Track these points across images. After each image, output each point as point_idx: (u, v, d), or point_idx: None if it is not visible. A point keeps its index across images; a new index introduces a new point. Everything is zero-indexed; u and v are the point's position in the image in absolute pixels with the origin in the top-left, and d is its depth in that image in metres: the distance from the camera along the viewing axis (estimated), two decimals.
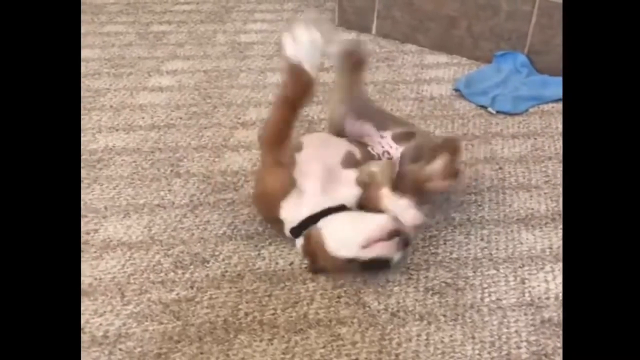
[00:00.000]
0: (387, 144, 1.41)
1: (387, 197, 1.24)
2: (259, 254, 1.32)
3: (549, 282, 1.27)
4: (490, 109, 1.90)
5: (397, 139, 1.42)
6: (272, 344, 1.13)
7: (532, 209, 1.48)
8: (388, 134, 1.43)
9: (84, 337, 1.13)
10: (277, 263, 1.30)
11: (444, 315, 1.19)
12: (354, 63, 1.43)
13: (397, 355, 1.11)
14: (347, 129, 1.45)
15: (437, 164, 1.30)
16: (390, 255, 1.20)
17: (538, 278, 1.28)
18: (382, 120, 1.45)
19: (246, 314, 1.18)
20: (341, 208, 1.25)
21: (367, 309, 1.20)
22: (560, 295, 1.24)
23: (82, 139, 1.70)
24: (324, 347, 1.12)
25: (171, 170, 1.59)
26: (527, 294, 1.25)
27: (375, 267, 1.22)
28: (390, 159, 1.39)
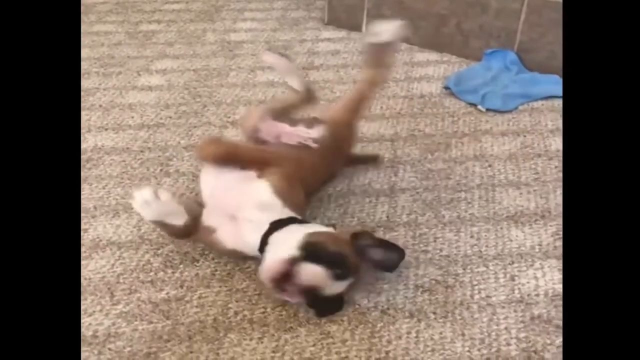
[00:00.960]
0: (302, 133, 1.39)
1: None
2: None
3: (539, 279, 1.27)
4: (480, 107, 1.90)
5: (309, 125, 1.41)
6: (262, 343, 1.13)
7: (522, 206, 1.49)
8: (300, 125, 1.41)
9: None
10: None
11: (434, 313, 1.20)
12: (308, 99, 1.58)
13: (387, 352, 1.12)
14: (264, 130, 1.41)
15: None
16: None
17: (527, 275, 1.29)
18: (293, 119, 1.47)
19: (236, 313, 1.18)
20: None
21: (357, 306, 1.20)
22: (550, 291, 1.24)
23: None
24: (313, 345, 1.12)
25: (160, 170, 1.58)
26: (516, 291, 1.25)
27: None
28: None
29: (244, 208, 1.23)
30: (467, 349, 1.13)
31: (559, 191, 1.54)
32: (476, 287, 1.26)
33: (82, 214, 1.42)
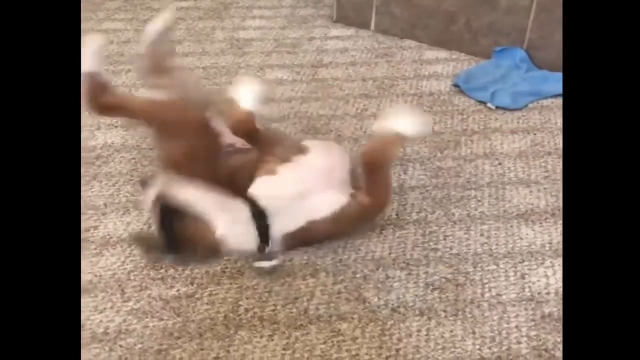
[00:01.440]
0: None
1: None
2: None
3: (549, 277, 1.27)
4: (489, 105, 1.90)
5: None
6: (272, 340, 1.13)
7: (532, 204, 1.48)
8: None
9: (85, 334, 1.13)
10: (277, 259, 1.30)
11: (444, 311, 1.19)
12: None
13: (397, 350, 1.12)
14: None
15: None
16: None
17: (538, 273, 1.29)
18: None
19: (246, 310, 1.19)
20: None
21: (367, 304, 1.20)
22: (561, 290, 1.24)
23: (81, 135, 1.70)
24: (324, 342, 1.12)
25: None
26: (527, 289, 1.25)
27: None
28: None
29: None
30: (477, 347, 1.12)
31: None
32: (486, 286, 1.25)
33: (92, 211, 1.43)
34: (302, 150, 1.30)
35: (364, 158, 1.27)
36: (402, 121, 1.25)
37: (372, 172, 1.27)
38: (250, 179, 1.29)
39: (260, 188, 1.26)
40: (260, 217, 1.23)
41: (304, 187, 1.24)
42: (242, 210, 1.23)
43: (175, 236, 1.22)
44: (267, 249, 1.25)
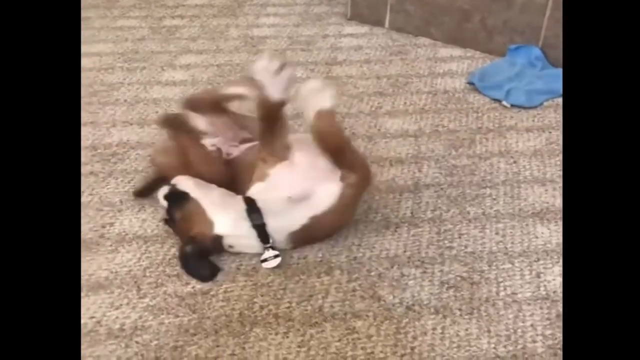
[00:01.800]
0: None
1: None
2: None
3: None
4: (504, 103, 1.89)
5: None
6: (287, 337, 1.13)
7: (547, 202, 1.48)
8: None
9: (101, 330, 1.14)
10: (291, 256, 1.30)
11: (460, 309, 1.19)
12: None
13: (412, 348, 1.11)
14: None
15: None
16: None
17: (553, 272, 1.28)
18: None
19: (261, 307, 1.19)
20: None
21: (382, 302, 1.20)
22: None
23: (97, 133, 1.71)
24: (339, 340, 1.13)
25: None
26: (542, 288, 1.24)
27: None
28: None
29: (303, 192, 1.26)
30: (492, 345, 1.12)
31: None
32: (502, 284, 1.25)
33: (108, 208, 1.43)
34: (287, 147, 1.32)
35: (319, 141, 1.26)
36: (321, 98, 1.26)
37: (335, 150, 1.26)
38: (250, 173, 1.32)
39: (254, 195, 1.28)
40: (255, 216, 1.25)
41: (297, 190, 1.25)
42: (239, 210, 1.25)
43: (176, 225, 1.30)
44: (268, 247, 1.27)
